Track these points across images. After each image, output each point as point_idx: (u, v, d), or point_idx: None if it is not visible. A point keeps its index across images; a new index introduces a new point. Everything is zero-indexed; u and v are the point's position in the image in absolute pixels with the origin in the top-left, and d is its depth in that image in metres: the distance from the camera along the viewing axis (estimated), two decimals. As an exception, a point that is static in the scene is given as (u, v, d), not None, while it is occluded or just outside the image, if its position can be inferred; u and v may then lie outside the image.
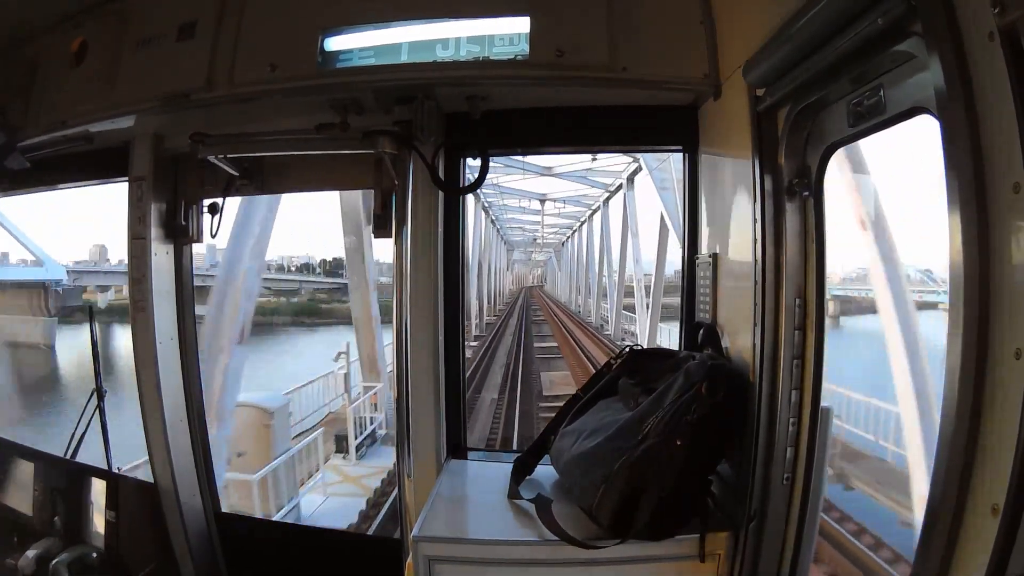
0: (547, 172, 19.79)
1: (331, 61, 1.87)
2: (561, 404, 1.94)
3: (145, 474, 2.51)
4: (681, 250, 2.10)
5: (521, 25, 1.80)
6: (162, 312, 2.34)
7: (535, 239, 43.15)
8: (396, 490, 2.69)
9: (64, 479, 2.50)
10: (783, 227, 1.48)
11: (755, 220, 1.51)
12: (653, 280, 15.30)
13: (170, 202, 2.38)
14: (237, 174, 2.31)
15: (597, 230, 24.85)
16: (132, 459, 3.76)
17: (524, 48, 1.79)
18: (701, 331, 1.87)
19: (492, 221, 31.13)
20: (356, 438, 8.19)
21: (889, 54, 1.09)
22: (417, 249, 2.08)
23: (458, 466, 2.11)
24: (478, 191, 2.22)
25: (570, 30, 1.79)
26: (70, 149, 2.31)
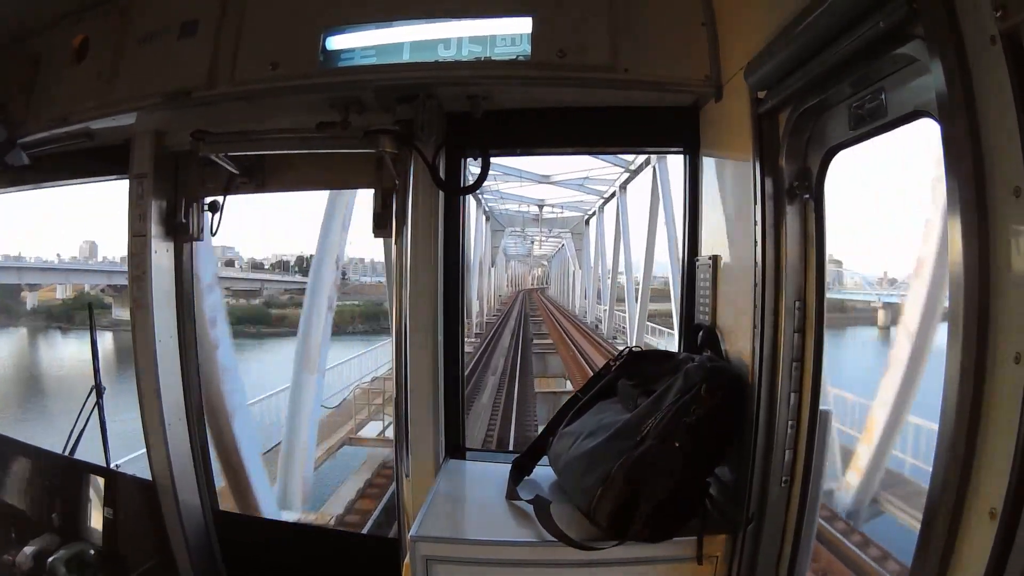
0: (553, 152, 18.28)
1: (332, 60, 1.87)
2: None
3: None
4: (681, 252, 2.10)
5: (523, 26, 1.80)
6: (162, 311, 2.34)
7: (540, 209, 27.16)
8: (394, 489, 2.69)
9: (62, 476, 2.50)
10: (783, 230, 1.48)
11: (755, 222, 1.51)
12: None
13: (170, 200, 2.37)
14: (238, 172, 2.32)
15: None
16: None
17: (526, 48, 1.79)
18: (700, 333, 1.86)
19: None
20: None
21: (890, 57, 1.09)
22: (417, 249, 2.07)
23: (456, 466, 2.11)
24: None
25: (572, 31, 1.79)
26: (71, 146, 2.31)
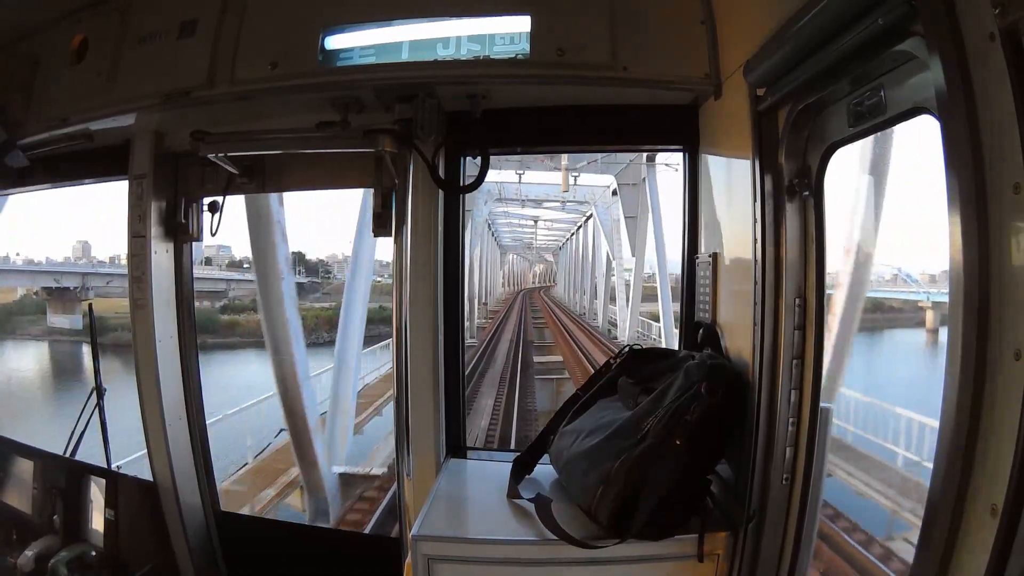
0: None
1: (332, 59, 1.87)
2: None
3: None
4: (681, 249, 2.10)
5: (522, 24, 1.80)
6: (161, 310, 2.34)
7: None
8: (395, 489, 2.69)
9: (63, 477, 2.50)
10: (783, 227, 1.48)
11: (755, 220, 1.51)
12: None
13: (170, 200, 2.38)
14: (237, 172, 2.31)
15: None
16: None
17: (525, 47, 1.79)
18: (701, 331, 1.87)
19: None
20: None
21: (890, 54, 1.09)
22: (417, 248, 2.08)
23: (457, 465, 2.11)
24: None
25: (571, 29, 1.79)
26: (70, 147, 2.31)
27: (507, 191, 21.43)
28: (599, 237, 25.66)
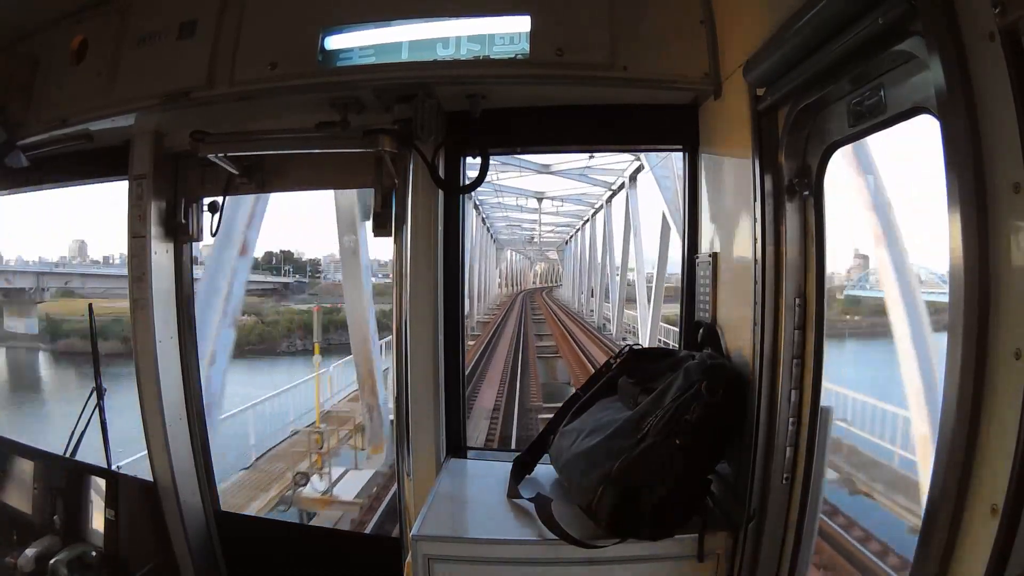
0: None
1: (331, 59, 1.87)
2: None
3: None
4: (681, 249, 2.10)
5: (522, 24, 1.80)
6: (161, 311, 2.34)
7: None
8: (396, 489, 2.69)
9: (64, 477, 2.50)
10: (783, 227, 1.48)
11: (755, 219, 1.51)
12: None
13: (170, 201, 2.38)
14: (237, 172, 2.31)
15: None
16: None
17: (524, 47, 1.80)
18: (701, 330, 1.87)
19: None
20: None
21: (889, 54, 1.09)
22: (417, 248, 2.08)
23: (458, 465, 2.11)
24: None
25: (571, 29, 1.79)
26: (70, 148, 2.31)
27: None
28: (636, 215, 17.77)
